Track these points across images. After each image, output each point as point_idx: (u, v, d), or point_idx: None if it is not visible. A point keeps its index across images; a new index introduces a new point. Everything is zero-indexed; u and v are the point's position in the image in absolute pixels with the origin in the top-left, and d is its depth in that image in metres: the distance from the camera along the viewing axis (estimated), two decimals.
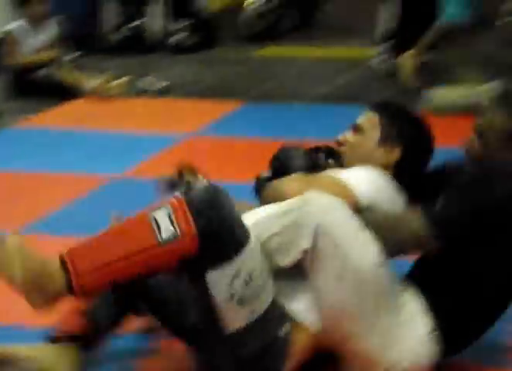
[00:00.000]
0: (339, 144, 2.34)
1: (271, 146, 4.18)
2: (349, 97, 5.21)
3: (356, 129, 2.32)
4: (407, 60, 5.36)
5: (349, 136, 2.33)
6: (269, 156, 4.31)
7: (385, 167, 2.26)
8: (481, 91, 4.67)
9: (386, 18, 5.61)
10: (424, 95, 4.77)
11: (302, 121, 4.76)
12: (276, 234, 1.96)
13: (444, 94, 4.76)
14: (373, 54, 5.76)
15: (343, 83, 5.56)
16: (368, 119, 2.32)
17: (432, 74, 5.49)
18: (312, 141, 4.19)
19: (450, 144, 4.03)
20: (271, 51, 6.49)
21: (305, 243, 1.92)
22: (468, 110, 4.55)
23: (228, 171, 3.90)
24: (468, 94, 4.71)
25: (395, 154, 2.28)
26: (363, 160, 2.27)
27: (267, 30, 6.80)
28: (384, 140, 2.28)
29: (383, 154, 2.27)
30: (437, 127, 4.51)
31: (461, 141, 2.26)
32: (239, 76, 5.87)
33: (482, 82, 4.78)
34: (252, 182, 2.40)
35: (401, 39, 5.59)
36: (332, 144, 2.40)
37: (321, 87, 5.47)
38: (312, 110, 4.99)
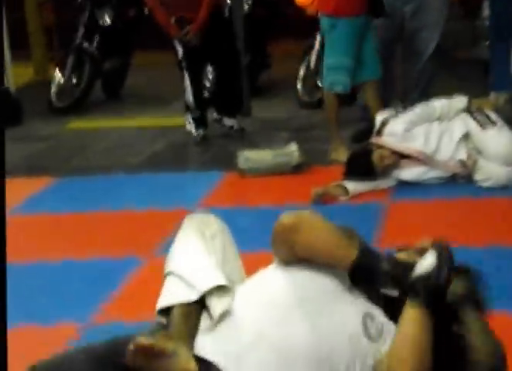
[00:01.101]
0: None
1: (88, 218, 4.36)
2: (165, 163, 5.37)
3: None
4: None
5: None
6: (92, 228, 4.39)
7: None
8: (285, 152, 4.97)
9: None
10: (239, 157, 4.99)
11: (120, 191, 4.86)
12: None
13: (254, 156, 5.00)
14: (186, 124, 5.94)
15: (157, 151, 5.72)
16: None
17: (244, 138, 5.79)
18: (133, 211, 4.44)
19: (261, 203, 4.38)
20: (82, 124, 6.55)
21: None
22: (277, 171, 4.87)
23: (55, 248, 3.96)
24: (277, 155, 4.97)
25: None
26: None
27: (76, 103, 6.85)
28: None
29: None
30: (253, 187, 4.79)
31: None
32: (49, 152, 5.88)
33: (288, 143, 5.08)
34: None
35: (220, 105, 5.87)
36: None
37: (136, 157, 5.59)
38: (128, 180, 5.09)
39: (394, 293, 2.13)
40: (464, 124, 4.58)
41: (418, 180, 4.57)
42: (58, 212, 4.53)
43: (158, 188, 4.89)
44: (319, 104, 6.04)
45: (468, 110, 4.64)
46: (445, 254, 2.09)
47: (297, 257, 2.21)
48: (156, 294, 3.43)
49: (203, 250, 2.29)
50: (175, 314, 2.18)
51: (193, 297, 2.17)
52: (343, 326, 2.12)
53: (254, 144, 5.38)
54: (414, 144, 4.56)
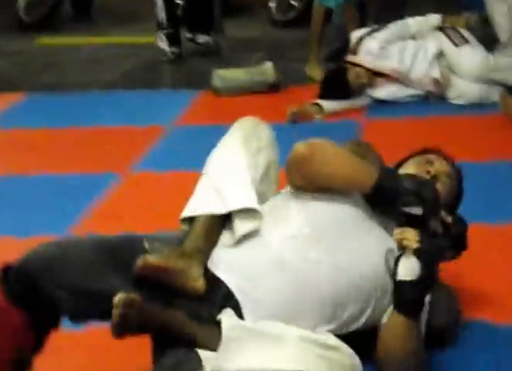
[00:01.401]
0: (433, 176, 2.37)
1: (62, 134, 4.36)
2: (138, 82, 5.35)
3: (446, 182, 2.38)
4: None
5: (442, 181, 2.37)
6: (66, 144, 4.41)
7: None
8: (260, 70, 4.97)
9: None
10: (212, 76, 4.98)
11: (93, 108, 4.85)
12: None
13: (229, 74, 5.00)
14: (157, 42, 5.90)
15: (129, 69, 5.69)
16: (453, 181, 2.42)
17: (218, 56, 5.78)
18: (107, 128, 4.44)
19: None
20: (51, 40, 6.48)
21: None
22: (252, 89, 4.88)
23: (30, 163, 3.97)
24: (251, 74, 4.98)
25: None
26: None
27: (45, 19, 6.75)
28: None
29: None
30: (228, 105, 4.81)
31: None
32: (19, 67, 5.82)
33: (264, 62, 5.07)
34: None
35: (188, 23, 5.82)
36: None
37: (108, 74, 5.56)
38: (102, 98, 5.08)
39: (417, 211, 2.13)
40: (438, 41, 4.62)
41: (392, 98, 4.62)
42: (31, 128, 4.52)
43: (132, 105, 4.89)
44: (292, 23, 6.02)
45: (441, 28, 4.67)
46: (431, 260, 2.03)
47: (314, 186, 2.20)
48: (134, 209, 3.51)
49: (245, 163, 2.21)
50: (198, 225, 2.13)
51: (221, 210, 2.13)
52: (366, 260, 2.14)
53: (228, 63, 5.37)
54: (389, 63, 4.60)
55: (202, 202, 2.17)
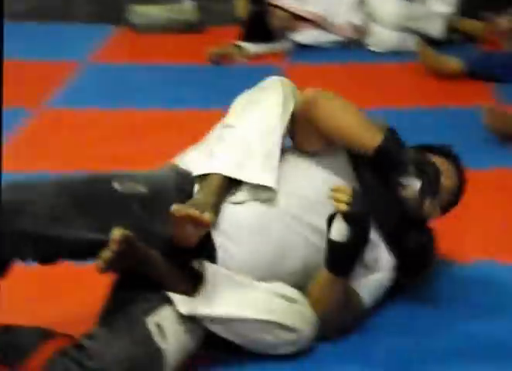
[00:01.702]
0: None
1: None
2: (51, 13, 5.19)
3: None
4: None
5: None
6: None
7: None
8: (180, 9, 4.89)
9: None
10: (130, 12, 4.88)
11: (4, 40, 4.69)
12: None
13: (147, 11, 4.90)
14: None
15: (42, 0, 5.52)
16: (453, 185, 2.29)
17: None
18: (18, 61, 4.29)
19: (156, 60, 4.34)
20: None
21: None
22: (171, 28, 4.80)
23: None
24: (171, 11, 4.89)
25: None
26: None
27: None
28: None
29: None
30: (146, 43, 4.69)
31: None
32: None
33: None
34: None
35: None
36: None
37: (15, 4, 5.37)
38: (11, 29, 4.88)
39: (415, 183, 2.06)
40: None
41: (314, 43, 4.62)
42: None
43: (44, 39, 4.75)
44: None
45: None
46: (359, 224, 1.99)
47: (320, 137, 2.14)
48: (47, 146, 3.42)
49: (280, 134, 2.11)
50: (214, 182, 2.05)
51: (242, 178, 2.06)
52: None
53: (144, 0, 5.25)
54: (311, 7, 4.59)
55: (226, 162, 2.08)
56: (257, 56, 4.48)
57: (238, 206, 2.07)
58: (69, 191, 1.99)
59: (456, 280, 2.41)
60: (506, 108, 3.54)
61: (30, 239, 1.92)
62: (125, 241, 1.88)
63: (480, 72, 4.05)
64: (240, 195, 2.08)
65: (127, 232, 1.89)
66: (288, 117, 2.14)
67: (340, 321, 2.11)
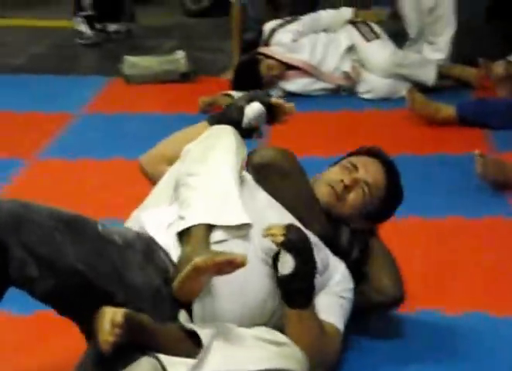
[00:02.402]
0: (346, 187, 2.34)
1: None
2: (48, 66, 5.31)
3: (365, 192, 2.34)
4: None
5: (355, 192, 2.34)
6: None
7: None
8: (172, 59, 4.99)
9: None
10: (124, 63, 4.98)
11: (1, 93, 4.79)
12: None
13: (140, 62, 5.00)
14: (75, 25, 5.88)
15: (39, 53, 5.63)
16: (378, 190, 2.36)
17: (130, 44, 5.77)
18: (14, 113, 4.39)
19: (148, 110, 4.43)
20: None
21: None
22: (164, 78, 4.90)
23: None
24: (163, 62, 4.99)
25: (360, 226, 2.37)
26: (343, 215, 2.34)
27: None
28: (368, 216, 2.37)
29: (354, 223, 2.36)
30: (139, 93, 4.80)
31: None
32: None
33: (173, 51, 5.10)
34: None
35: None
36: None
37: (16, 57, 5.50)
38: (8, 82, 5.02)
39: (255, 107, 2.34)
40: (349, 35, 4.72)
41: (303, 91, 4.70)
42: None
43: (40, 90, 4.85)
44: (205, 12, 6.05)
45: (353, 22, 4.77)
46: (301, 249, 2.07)
47: None
48: (38, 196, 3.45)
49: (236, 177, 2.19)
50: (200, 232, 2.09)
51: (220, 223, 2.11)
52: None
53: (139, 51, 5.37)
54: (301, 55, 4.68)
55: (206, 211, 2.12)
56: None
57: (217, 245, 2.11)
58: (65, 219, 2.04)
59: (443, 331, 2.43)
60: (499, 156, 3.58)
61: (31, 255, 1.97)
62: (127, 322, 1.92)
63: (473, 119, 4.08)
64: (218, 235, 2.13)
65: (127, 311, 1.93)
66: (241, 160, 2.24)
67: (323, 354, 2.15)
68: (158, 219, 2.20)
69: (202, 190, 2.14)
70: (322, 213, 2.32)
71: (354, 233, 2.37)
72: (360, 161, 2.40)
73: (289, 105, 2.47)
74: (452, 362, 2.29)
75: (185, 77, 4.97)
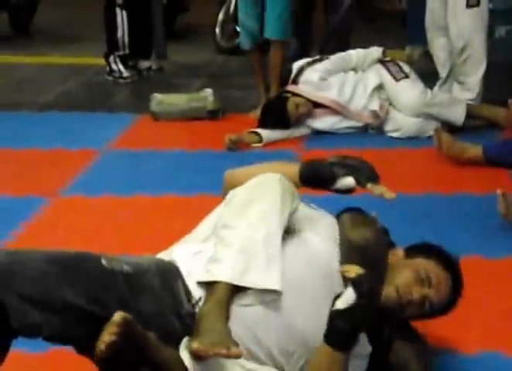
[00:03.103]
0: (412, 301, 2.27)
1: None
2: (76, 104, 5.38)
3: (428, 303, 2.28)
4: None
5: (420, 304, 2.28)
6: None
7: None
8: (200, 97, 5.03)
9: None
10: (152, 100, 5.04)
11: (26, 130, 4.86)
12: None
13: (168, 99, 5.05)
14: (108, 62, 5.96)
15: (68, 91, 5.71)
16: (442, 300, 2.31)
17: (159, 81, 5.85)
18: (40, 150, 4.45)
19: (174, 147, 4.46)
20: None
21: None
22: (191, 116, 4.95)
23: None
24: (191, 100, 5.04)
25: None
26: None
27: None
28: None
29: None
30: (165, 130, 4.83)
31: None
32: None
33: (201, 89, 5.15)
34: None
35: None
36: None
37: (44, 95, 5.58)
38: (37, 119, 5.10)
39: (347, 180, 2.25)
40: (378, 74, 4.73)
41: (331, 129, 4.71)
42: None
43: (67, 128, 4.91)
44: (236, 50, 6.10)
45: (382, 61, 4.79)
46: (365, 291, 2.06)
47: None
48: (60, 234, 3.52)
49: (280, 234, 2.15)
50: (220, 292, 2.09)
51: (245, 284, 2.09)
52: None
53: (168, 88, 5.43)
54: (329, 94, 4.69)
55: (231, 269, 2.10)
56: (274, 142, 4.59)
57: (244, 308, 2.11)
58: (59, 261, 2.06)
59: None
60: None
61: (22, 300, 1.97)
62: (125, 324, 1.93)
63: (499, 159, 4.07)
64: (247, 298, 2.11)
65: (126, 314, 1.94)
66: (286, 214, 2.18)
67: None
68: (187, 249, 2.23)
69: (236, 247, 2.11)
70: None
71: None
72: (434, 274, 2.29)
73: (390, 195, 2.28)
74: None
75: (212, 115, 5.00)
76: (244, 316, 2.10)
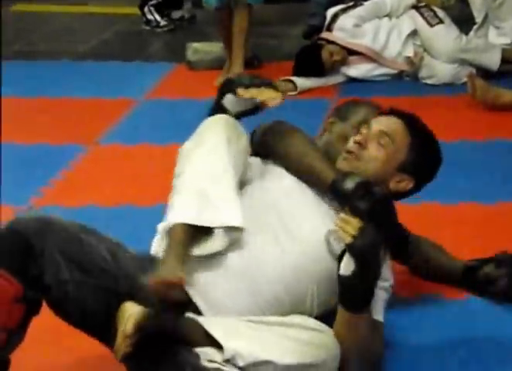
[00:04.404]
0: (359, 143, 2.19)
1: (31, 104, 4.40)
2: (113, 53, 5.39)
3: (384, 142, 2.17)
4: None
5: (373, 146, 2.18)
6: (34, 113, 4.39)
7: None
8: None
9: None
10: (187, 49, 5.03)
11: (64, 78, 4.89)
12: None
13: (203, 48, 5.04)
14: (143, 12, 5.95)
15: (105, 40, 5.72)
16: (398, 132, 2.18)
17: (195, 29, 5.82)
18: (79, 99, 4.48)
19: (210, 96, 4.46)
20: (26, 7, 6.48)
21: None
22: (220, 64, 4.93)
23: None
24: (222, 48, 5.02)
25: (404, 185, 2.21)
26: (375, 174, 2.17)
27: None
28: (404, 168, 2.19)
29: (394, 181, 2.20)
30: (201, 79, 4.83)
31: None
32: None
33: None
34: None
35: None
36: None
37: (82, 44, 5.59)
38: (75, 68, 5.12)
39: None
40: (412, 20, 4.68)
41: (365, 77, 4.68)
42: None
43: (104, 77, 4.93)
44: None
45: (416, 6, 4.72)
46: (366, 256, 1.99)
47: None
48: (98, 181, 3.56)
49: (232, 172, 2.12)
50: (176, 234, 2.05)
51: (205, 224, 2.05)
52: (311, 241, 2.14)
53: (204, 37, 5.41)
54: (363, 41, 4.65)
55: (185, 211, 2.07)
56: (309, 90, 4.57)
57: (219, 258, 2.09)
58: (81, 224, 2.12)
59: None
60: None
61: (65, 258, 2.01)
62: (139, 330, 1.93)
63: None
64: (214, 243, 2.07)
65: (139, 321, 1.93)
66: (238, 151, 2.17)
67: (369, 354, 2.11)
68: None
69: (185, 191, 2.09)
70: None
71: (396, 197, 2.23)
72: (372, 120, 2.24)
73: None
74: None
75: (248, 63, 4.98)
76: (223, 266, 2.09)
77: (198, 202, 2.07)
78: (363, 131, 2.22)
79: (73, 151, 3.80)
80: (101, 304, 2.04)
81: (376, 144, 2.18)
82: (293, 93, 4.54)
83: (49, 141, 3.93)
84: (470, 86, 4.17)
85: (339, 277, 2.02)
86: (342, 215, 2.02)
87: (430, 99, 4.40)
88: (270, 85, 2.29)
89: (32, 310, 2.04)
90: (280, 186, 2.21)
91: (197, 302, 2.08)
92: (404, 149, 2.19)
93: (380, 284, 2.15)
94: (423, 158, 2.22)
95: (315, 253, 2.13)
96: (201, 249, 2.07)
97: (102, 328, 2.05)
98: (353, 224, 1.98)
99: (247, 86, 2.28)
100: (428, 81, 4.63)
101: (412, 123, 2.26)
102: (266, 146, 2.28)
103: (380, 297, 2.17)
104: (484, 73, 4.52)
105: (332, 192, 2.12)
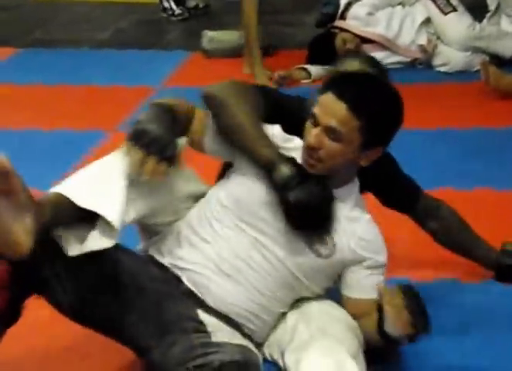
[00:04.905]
0: (313, 148, 2.11)
1: (51, 91, 4.43)
2: (131, 41, 5.41)
3: (335, 137, 2.09)
4: None
5: (326, 142, 2.10)
6: (54, 100, 4.41)
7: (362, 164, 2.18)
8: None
9: None
10: (203, 37, 5.04)
11: (84, 66, 4.92)
12: None
13: (219, 36, 5.04)
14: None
15: (123, 28, 5.73)
16: (344, 123, 2.08)
17: (210, 18, 5.83)
18: (98, 86, 4.50)
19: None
20: None
21: None
22: (237, 53, 4.93)
23: (19, 118, 4.03)
24: (241, 36, 5.02)
25: (375, 155, 2.17)
26: (342, 164, 2.14)
27: None
28: (365, 146, 2.12)
29: (363, 159, 2.16)
30: (217, 67, 4.84)
31: None
32: (11, 22, 5.86)
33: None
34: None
35: None
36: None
37: (101, 32, 5.61)
38: (93, 56, 5.14)
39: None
40: (425, 8, 4.68)
41: None
42: (20, 84, 4.57)
43: (122, 65, 4.95)
44: None
45: None
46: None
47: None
48: None
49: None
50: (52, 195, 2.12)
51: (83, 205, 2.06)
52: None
53: (219, 25, 5.41)
54: (377, 29, 4.66)
55: (74, 188, 2.15)
56: (322, 78, 4.57)
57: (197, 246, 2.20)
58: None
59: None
60: None
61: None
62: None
63: None
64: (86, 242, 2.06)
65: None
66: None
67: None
68: None
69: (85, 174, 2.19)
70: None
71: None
72: (320, 108, 2.12)
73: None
74: None
75: (264, 51, 4.98)
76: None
77: (89, 187, 2.12)
78: (313, 131, 2.11)
79: (95, 138, 3.83)
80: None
81: (328, 140, 2.09)
82: (307, 81, 4.55)
83: (71, 126, 3.96)
84: (483, 74, 4.17)
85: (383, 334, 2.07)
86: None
87: (443, 86, 4.41)
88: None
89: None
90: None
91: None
92: (355, 134, 2.09)
93: (368, 262, 2.19)
94: (379, 130, 2.13)
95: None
96: (78, 248, 2.05)
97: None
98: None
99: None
100: (442, 69, 4.64)
101: (358, 101, 2.10)
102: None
103: (364, 277, 2.20)
104: (497, 60, 4.52)
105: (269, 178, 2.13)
